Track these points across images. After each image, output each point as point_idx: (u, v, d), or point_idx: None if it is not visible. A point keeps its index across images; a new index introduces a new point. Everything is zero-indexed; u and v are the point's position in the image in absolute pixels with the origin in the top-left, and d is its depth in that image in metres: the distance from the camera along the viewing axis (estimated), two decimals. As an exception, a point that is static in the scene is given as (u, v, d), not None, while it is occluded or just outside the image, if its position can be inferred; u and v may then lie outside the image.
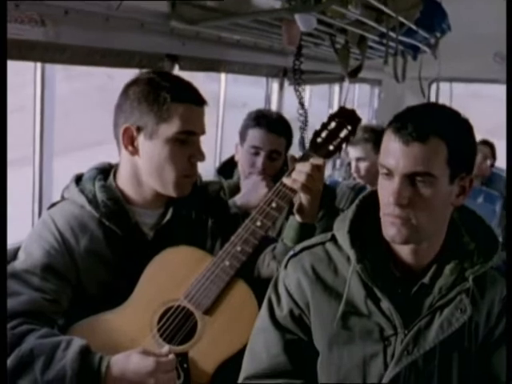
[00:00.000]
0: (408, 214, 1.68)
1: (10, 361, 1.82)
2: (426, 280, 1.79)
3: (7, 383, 1.79)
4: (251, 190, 2.83)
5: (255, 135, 2.94)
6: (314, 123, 2.73)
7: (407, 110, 1.77)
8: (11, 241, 2.12)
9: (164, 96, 2.04)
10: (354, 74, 3.95)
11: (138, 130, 2.06)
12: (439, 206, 1.72)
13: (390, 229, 1.72)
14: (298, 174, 2.13)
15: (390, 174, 1.70)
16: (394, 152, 1.68)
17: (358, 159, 3.94)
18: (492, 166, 5.85)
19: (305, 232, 2.18)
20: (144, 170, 2.10)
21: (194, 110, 2.10)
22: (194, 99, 2.11)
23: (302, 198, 2.17)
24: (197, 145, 2.12)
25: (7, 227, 1.64)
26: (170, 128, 2.04)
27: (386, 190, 1.71)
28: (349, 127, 2.22)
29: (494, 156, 5.96)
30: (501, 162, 5.58)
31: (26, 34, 2.13)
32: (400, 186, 1.67)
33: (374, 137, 3.69)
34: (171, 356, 1.90)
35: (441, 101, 6.04)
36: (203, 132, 2.14)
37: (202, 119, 2.14)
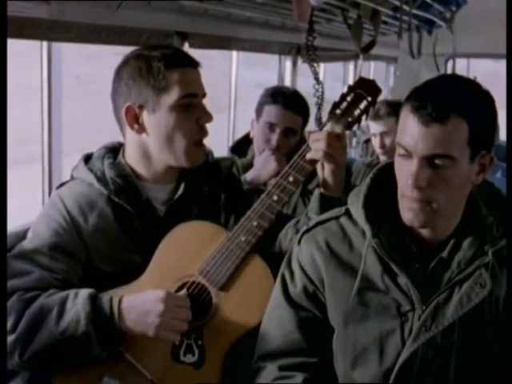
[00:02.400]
0: (427, 197, 1.64)
1: (22, 325, 1.86)
2: (444, 254, 1.74)
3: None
4: (261, 166, 2.82)
5: (271, 111, 2.92)
6: (328, 104, 2.70)
7: (426, 84, 1.70)
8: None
9: (157, 66, 2.01)
10: (366, 50, 3.90)
11: (140, 107, 2.03)
12: (458, 187, 1.67)
13: (408, 213, 1.68)
14: (317, 143, 2.09)
15: (408, 154, 1.65)
16: (413, 132, 1.62)
17: (383, 134, 3.89)
18: None
19: (330, 205, 2.12)
20: (153, 146, 2.07)
21: (190, 73, 2.06)
22: (188, 62, 2.08)
23: (325, 169, 2.13)
24: (201, 106, 2.09)
25: (7, 228, 1.63)
26: (171, 96, 2.01)
27: (404, 171, 1.66)
28: (369, 98, 2.15)
29: None
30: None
31: (30, 11, 2.11)
32: (419, 168, 1.61)
33: (398, 111, 3.64)
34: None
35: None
36: (204, 93, 2.11)
37: (200, 80, 2.11)
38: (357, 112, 2.14)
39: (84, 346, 1.86)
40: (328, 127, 2.11)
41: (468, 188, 1.73)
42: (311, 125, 3.15)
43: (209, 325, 2.00)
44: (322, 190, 2.17)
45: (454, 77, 1.79)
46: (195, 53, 2.18)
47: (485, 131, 1.66)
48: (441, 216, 1.68)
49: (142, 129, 2.06)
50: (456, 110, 1.59)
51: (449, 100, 1.61)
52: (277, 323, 1.90)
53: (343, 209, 1.90)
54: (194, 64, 2.09)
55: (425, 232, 1.74)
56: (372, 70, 7.20)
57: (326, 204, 2.15)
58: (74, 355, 1.88)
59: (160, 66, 2.00)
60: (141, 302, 1.89)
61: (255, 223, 2.05)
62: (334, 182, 2.14)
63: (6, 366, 1.83)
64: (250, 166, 2.96)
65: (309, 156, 2.10)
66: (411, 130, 1.62)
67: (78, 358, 1.89)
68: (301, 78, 4.61)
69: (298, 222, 2.23)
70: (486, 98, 1.68)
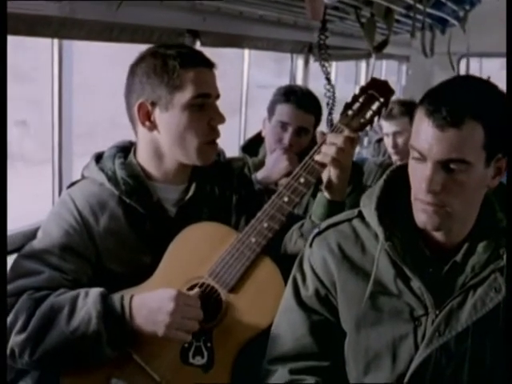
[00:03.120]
0: (441, 201, 1.61)
1: (32, 324, 1.86)
2: (458, 258, 1.72)
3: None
4: (273, 165, 2.81)
5: (284, 111, 2.91)
6: (339, 104, 2.69)
7: (440, 87, 1.68)
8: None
9: (172, 64, 2.01)
10: (379, 49, 3.87)
11: (153, 104, 2.03)
12: (473, 191, 1.65)
13: (422, 215, 1.66)
14: (329, 148, 2.07)
15: (422, 158, 1.62)
16: (427, 136, 1.60)
17: (395, 133, 3.88)
18: None
19: (333, 209, 2.12)
20: (165, 144, 2.07)
21: (204, 73, 2.06)
22: (203, 62, 2.08)
23: (331, 173, 2.11)
24: (214, 107, 2.08)
25: (7, 228, 1.62)
26: (184, 95, 2.00)
27: (418, 175, 1.64)
28: (381, 99, 2.13)
29: None
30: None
31: (42, 9, 2.10)
32: (433, 173, 1.59)
33: (411, 110, 3.63)
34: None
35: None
36: (218, 94, 2.10)
37: (214, 81, 2.10)
38: (369, 113, 2.12)
39: (95, 344, 1.86)
40: (345, 133, 2.09)
41: (483, 192, 1.70)
42: (323, 124, 3.13)
43: (218, 327, 1.99)
44: (325, 193, 2.16)
45: (469, 79, 1.75)
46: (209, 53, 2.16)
47: (500, 134, 1.63)
48: (455, 219, 1.66)
49: (153, 126, 2.05)
50: (471, 113, 1.57)
51: (463, 104, 1.59)
52: (288, 326, 1.88)
53: (356, 211, 1.88)
54: (209, 65, 2.08)
55: (438, 235, 1.72)
56: (384, 68, 7.17)
57: (329, 208, 2.14)
58: (85, 354, 1.88)
59: (175, 65, 2.00)
60: (151, 300, 1.88)
61: (266, 225, 2.03)
62: (338, 185, 2.13)
63: (6, 366, 1.83)
64: (261, 165, 2.94)
65: (317, 158, 2.08)
66: (425, 133, 1.60)
67: (89, 357, 1.89)
68: (312, 78, 4.60)
69: (302, 226, 2.21)
70: (502, 100, 1.66)
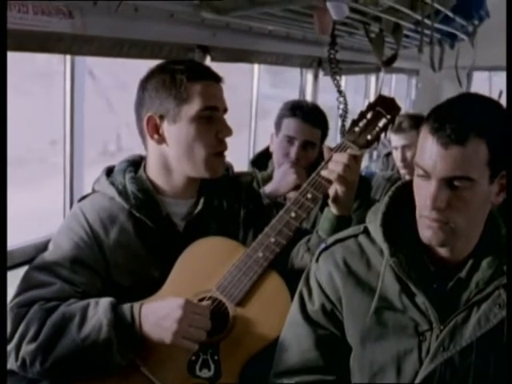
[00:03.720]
0: (446, 218, 1.62)
1: (44, 333, 1.88)
2: (462, 274, 1.73)
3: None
4: (280, 179, 2.81)
5: (290, 125, 2.92)
6: (351, 116, 2.70)
7: (445, 104, 1.69)
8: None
9: (180, 78, 2.04)
10: (388, 63, 3.88)
11: (161, 117, 2.06)
12: (478, 208, 1.66)
13: (427, 231, 1.66)
14: (335, 165, 2.09)
15: (426, 175, 1.64)
16: (431, 154, 1.61)
17: (404, 147, 3.87)
18: None
19: (340, 224, 2.14)
20: (173, 157, 2.09)
21: (212, 86, 2.09)
22: (210, 76, 2.11)
23: (337, 189, 2.12)
24: (222, 120, 2.10)
25: (7, 228, 1.63)
26: (192, 107, 2.03)
27: (423, 192, 1.65)
28: (388, 116, 2.15)
29: None
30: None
31: (53, 26, 2.13)
32: (437, 190, 1.60)
33: (420, 124, 3.62)
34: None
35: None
36: (225, 107, 2.13)
37: (222, 95, 2.12)
38: (376, 130, 2.14)
39: (105, 352, 1.88)
40: (350, 151, 2.11)
41: (488, 208, 1.71)
42: (331, 137, 3.15)
43: (225, 340, 2.00)
44: (332, 208, 2.17)
45: (475, 96, 1.76)
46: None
47: (505, 152, 1.63)
48: (459, 236, 1.66)
49: (162, 139, 2.08)
50: (475, 131, 1.58)
51: (468, 121, 1.60)
52: (294, 340, 1.89)
53: (362, 227, 1.90)
54: (216, 78, 2.11)
55: (443, 251, 1.73)
56: (394, 82, 7.17)
57: (336, 223, 2.16)
58: (95, 363, 1.90)
59: (183, 78, 2.03)
60: (160, 308, 1.90)
61: (273, 240, 2.05)
62: (344, 201, 2.15)
63: (6, 366, 1.84)
64: (270, 178, 2.95)
65: (323, 174, 2.10)
66: (430, 151, 1.61)
67: (99, 365, 1.91)
68: (321, 91, 4.61)
69: (309, 240, 2.23)
70: (506, 117, 1.67)
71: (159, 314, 1.89)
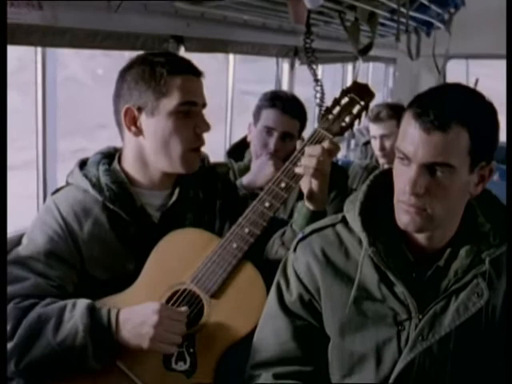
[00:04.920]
0: (424, 204, 1.62)
1: (19, 334, 1.86)
2: (441, 263, 1.73)
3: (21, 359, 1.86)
4: (258, 170, 2.81)
5: (269, 116, 2.91)
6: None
7: (429, 92, 1.70)
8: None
9: (160, 71, 2.02)
10: (364, 52, 3.89)
11: (139, 109, 2.04)
12: (456, 196, 1.66)
13: (404, 217, 1.66)
14: (309, 159, 2.07)
15: (407, 160, 1.63)
16: (413, 139, 1.61)
17: (383, 136, 3.87)
18: None
19: (315, 219, 2.11)
20: (149, 150, 2.07)
21: (191, 81, 2.07)
22: (191, 70, 2.09)
23: (312, 184, 2.11)
24: (200, 115, 2.09)
25: (7, 227, 1.63)
26: (171, 101, 2.01)
27: (402, 177, 1.65)
28: (362, 103, 2.14)
29: None
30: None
31: (23, 17, 2.09)
32: (417, 175, 1.60)
33: (399, 114, 3.63)
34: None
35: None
36: (204, 103, 2.11)
37: (201, 90, 2.11)
38: (349, 117, 2.13)
39: (80, 357, 1.86)
40: (324, 143, 2.09)
41: (466, 198, 1.71)
42: (310, 128, 3.13)
43: (201, 332, 1.99)
44: (307, 203, 2.16)
45: (459, 86, 1.76)
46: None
47: (485, 142, 1.65)
48: (437, 223, 1.66)
49: (139, 131, 2.06)
50: (458, 119, 1.58)
51: (451, 109, 1.60)
52: (272, 331, 1.88)
53: (339, 216, 1.88)
54: (196, 73, 2.09)
55: (421, 240, 1.73)
56: (371, 71, 7.17)
57: (311, 218, 2.14)
58: (70, 366, 1.88)
59: (163, 72, 2.01)
60: (136, 314, 1.88)
61: (247, 230, 2.04)
62: (319, 195, 2.13)
63: (6, 366, 1.82)
64: (246, 169, 2.94)
65: (298, 171, 2.09)
66: (412, 136, 1.61)
67: (73, 368, 1.88)
68: (297, 84, 4.60)
69: (283, 234, 2.21)
70: (489, 110, 1.67)
71: (136, 321, 1.87)
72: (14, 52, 1.97)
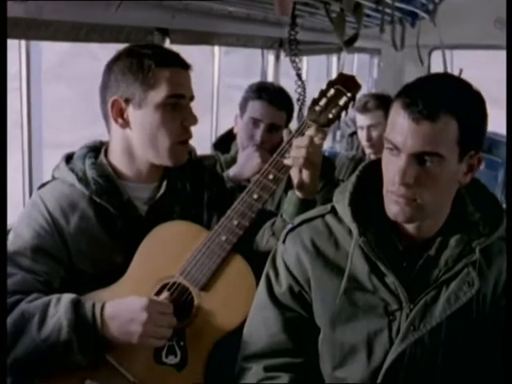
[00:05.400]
0: (413, 194, 1.62)
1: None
2: (431, 252, 1.73)
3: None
4: (245, 162, 2.81)
5: (255, 107, 2.90)
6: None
7: (417, 81, 1.70)
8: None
9: (148, 63, 2.00)
10: (350, 43, 3.86)
11: (127, 101, 2.02)
12: (445, 185, 1.66)
13: (393, 207, 1.66)
14: (297, 151, 2.06)
15: (396, 150, 1.63)
16: (402, 129, 1.61)
17: (370, 126, 3.88)
18: None
19: (305, 208, 2.11)
20: (136, 142, 2.06)
21: (179, 73, 2.05)
22: (179, 63, 2.07)
23: (303, 173, 2.10)
24: (188, 108, 2.07)
25: (7, 225, 1.63)
26: (158, 93, 2.00)
27: (391, 167, 1.65)
28: (348, 94, 2.12)
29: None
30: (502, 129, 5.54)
31: (7, 10, 2.07)
32: (406, 165, 1.60)
33: (386, 104, 3.64)
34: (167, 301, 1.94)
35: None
36: (192, 95, 2.10)
37: (189, 82, 2.09)
38: (336, 108, 2.12)
39: (66, 353, 1.84)
40: (310, 132, 2.08)
41: (455, 187, 1.72)
42: (295, 121, 3.13)
43: (191, 326, 1.98)
44: (297, 192, 2.15)
45: (447, 76, 1.79)
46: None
47: (474, 131, 1.65)
48: (426, 212, 1.66)
49: (126, 123, 2.04)
50: (446, 108, 1.58)
51: (440, 98, 1.60)
52: (262, 323, 1.88)
53: (329, 206, 1.88)
54: (184, 65, 2.08)
55: (411, 229, 1.73)
56: (356, 62, 7.17)
57: (301, 207, 2.13)
58: (56, 362, 1.86)
59: (151, 64, 2.00)
60: (124, 311, 1.87)
61: (236, 222, 2.03)
62: (309, 184, 2.12)
63: (6, 366, 1.80)
64: (233, 161, 2.95)
65: (287, 162, 2.08)
66: (401, 126, 1.61)
67: (60, 364, 1.87)
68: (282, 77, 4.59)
69: (273, 224, 2.21)
70: (477, 99, 1.68)
71: (123, 318, 1.85)
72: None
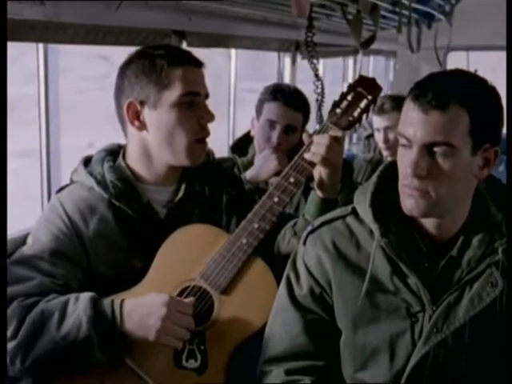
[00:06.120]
0: (426, 186, 1.61)
1: (23, 330, 1.85)
2: (454, 252, 1.71)
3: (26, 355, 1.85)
4: (262, 164, 2.80)
5: (271, 109, 2.90)
6: (328, 101, 2.68)
7: (429, 76, 1.69)
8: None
9: (160, 63, 2.00)
10: (366, 45, 3.87)
11: (142, 103, 2.02)
12: (460, 179, 1.64)
13: (408, 201, 1.65)
14: (318, 147, 2.05)
15: (408, 143, 1.62)
16: (413, 121, 1.61)
17: (387, 128, 3.84)
18: None
19: (327, 207, 2.10)
20: (154, 143, 2.05)
21: (193, 71, 2.05)
22: (191, 61, 2.07)
23: (322, 172, 2.09)
24: (203, 105, 2.07)
25: (7, 226, 1.61)
26: (173, 93, 1.99)
27: (404, 161, 1.64)
28: (369, 97, 2.12)
29: None
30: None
31: (25, 13, 2.08)
32: (418, 157, 1.59)
33: (402, 105, 3.61)
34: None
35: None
36: (207, 93, 2.09)
37: (203, 80, 2.09)
38: (357, 111, 2.11)
39: (86, 350, 1.84)
40: (331, 132, 2.07)
41: (472, 182, 1.70)
42: (312, 122, 3.12)
43: (211, 329, 1.98)
44: (318, 191, 2.14)
45: (458, 70, 1.76)
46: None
47: (487, 123, 1.64)
48: (442, 207, 1.65)
49: (142, 125, 2.04)
50: (456, 98, 1.58)
51: (449, 89, 1.60)
52: (283, 326, 1.86)
53: (349, 208, 1.87)
54: (197, 64, 2.07)
55: (431, 228, 1.71)
56: (371, 64, 7.16)
57: (322, 206, 2.13)
58: (76, 360, 1.87)
59: (163, 64, 2.00)
60: (143, 305, 1.87)
61: (256, 225, 2.03)
62: (329, 184, 2.12)
63: (6, 366, 1.81)
64: (250, 164, 2.94)
65: (306, 156, 2.07)
66: (411, 118, 1.61)
67: (80, 363, 1.87)
68: (300, 75, 4.59)
69: (295, 224, 2.20)
70: (490, 92, 1.66)
71: (142, 312, 1.86)
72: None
